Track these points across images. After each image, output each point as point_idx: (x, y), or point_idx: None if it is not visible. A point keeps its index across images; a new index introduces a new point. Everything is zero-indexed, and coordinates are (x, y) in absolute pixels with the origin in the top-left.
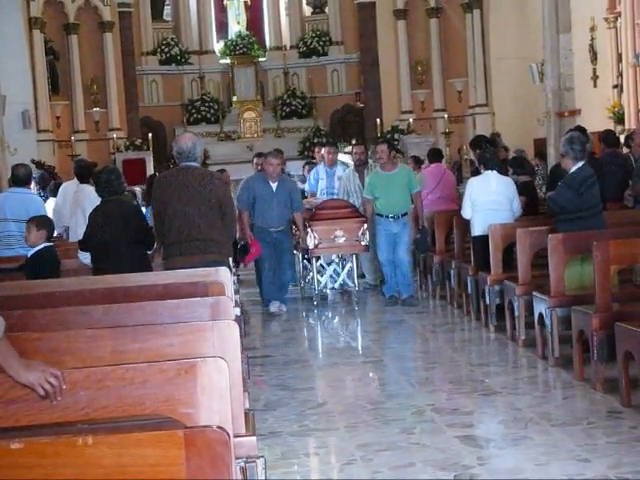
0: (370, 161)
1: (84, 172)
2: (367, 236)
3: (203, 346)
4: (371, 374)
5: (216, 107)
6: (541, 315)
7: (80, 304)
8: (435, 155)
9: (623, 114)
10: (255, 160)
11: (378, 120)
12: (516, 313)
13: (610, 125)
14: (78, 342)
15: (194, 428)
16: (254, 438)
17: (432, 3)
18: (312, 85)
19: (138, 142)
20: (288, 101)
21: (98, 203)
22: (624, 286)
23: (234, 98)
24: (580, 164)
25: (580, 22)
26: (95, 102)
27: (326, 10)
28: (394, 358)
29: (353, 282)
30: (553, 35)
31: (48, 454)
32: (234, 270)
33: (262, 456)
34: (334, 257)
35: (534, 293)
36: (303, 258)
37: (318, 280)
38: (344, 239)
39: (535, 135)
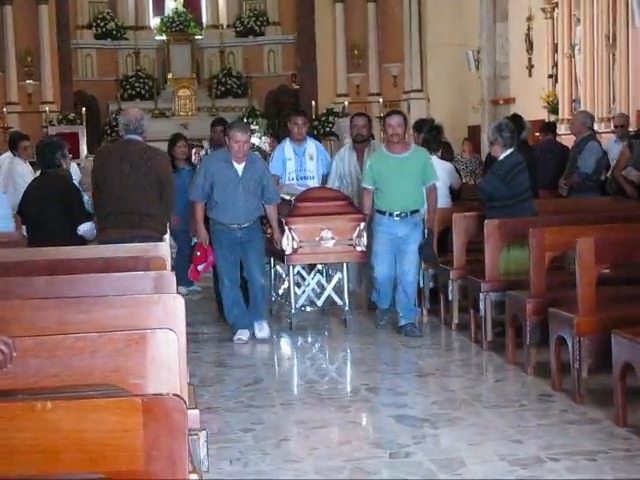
0: (373, 141)
1: (13, 144)
2: (364, 239)
3: (148, 319)
4: (305, 353)
5: (151, 84)
6: (475, 299)
7: (21, 275)
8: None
9: (557, 104)
10: (218, 129)
11: (313, 102)
12: (450, 297)
13: (544, 114)
14: (24, 312)
15: (152, 395)
16: (197, 411)
17: None
18: (248, 65)
19: (71, 116)
20: (223, 80)
21: (28, 175)
22: (556, 273)
23: (169, 75)
24: (508, 152)
25: (517, 11)
26: (29, 74)
27: None
28: (328, 338)
29: (343, 299)
30: (490, 23)
31: (6, 418)
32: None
33: (204, 429)
34: (318, 265)
35: (469, 277)
36: (275, 264)
37: (296, 294)
38: (334, 242)
39: (469, 122)
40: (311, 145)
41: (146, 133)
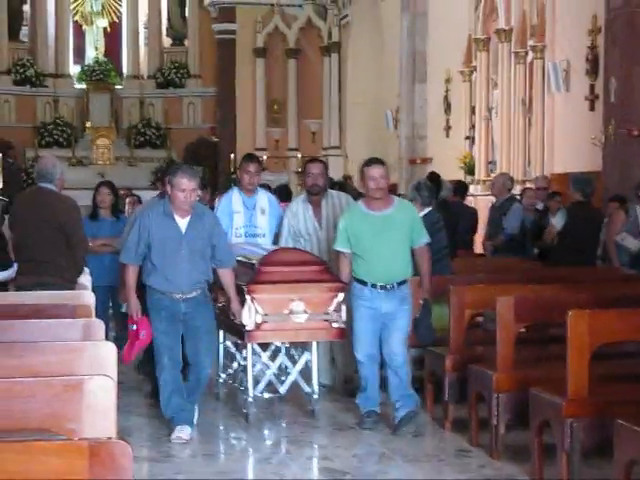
0: (332, 191)
1: None
2: (344, 313)
3: (80, 365)
4: (224, 406)
5: (69, 132)
6: None
7: None
8: (286, 193)
9: (474, 165)
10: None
11: (232, 155)
12: None
13: (461, 175)
14: None
15: (99, 439)
16: None
17: (291, 44)
18: (167, 116)
19: None
20: (142, 130)
21: None
22: (475, 330)
23: (88, 124)
24: (427, 210)
25: (436, 73)
26: None
27: (186, 43)
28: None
29: (311, 385)
30: (409, 84)
31: None
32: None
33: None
34: (278, 342)
35: None
36: (225, 339)
37: (254, 378)
38: (306, 317)
39: None
40: (263, 197)
41: (60, 181)
